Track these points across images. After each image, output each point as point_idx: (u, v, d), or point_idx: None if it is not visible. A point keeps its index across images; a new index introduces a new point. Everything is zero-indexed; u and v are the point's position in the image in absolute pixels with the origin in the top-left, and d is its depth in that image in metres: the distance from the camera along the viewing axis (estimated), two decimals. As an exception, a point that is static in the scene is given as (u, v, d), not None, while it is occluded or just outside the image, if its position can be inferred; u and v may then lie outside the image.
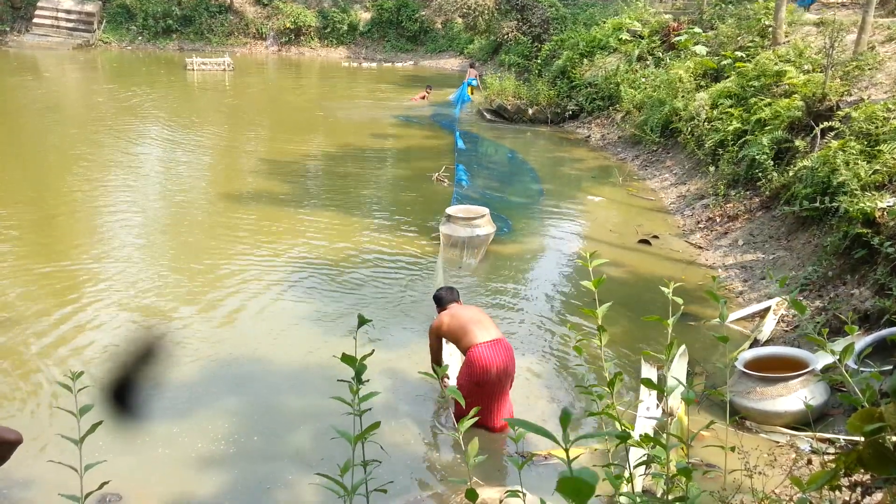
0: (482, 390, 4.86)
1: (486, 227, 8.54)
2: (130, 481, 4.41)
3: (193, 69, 23.96)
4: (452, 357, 5.71)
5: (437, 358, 5.37)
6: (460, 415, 4.63)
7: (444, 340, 5.31)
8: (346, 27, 30.64)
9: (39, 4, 29.52)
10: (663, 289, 2.58)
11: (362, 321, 2.17)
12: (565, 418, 1.42)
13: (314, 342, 6.22)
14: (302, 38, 30.83)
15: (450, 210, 8.72)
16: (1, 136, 14.26)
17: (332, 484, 2.04)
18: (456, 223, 8.48)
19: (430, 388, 5.53)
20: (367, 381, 2.13)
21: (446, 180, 11.59)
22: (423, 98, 19.67)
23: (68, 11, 29.65)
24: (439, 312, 5.39)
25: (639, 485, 4.01)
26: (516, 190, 11.87)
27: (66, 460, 2.53)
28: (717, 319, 2.48)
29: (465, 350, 4.98)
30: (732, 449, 2.67)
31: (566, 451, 1.42)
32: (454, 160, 12.81)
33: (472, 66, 23.19)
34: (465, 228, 8.43)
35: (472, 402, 4.76)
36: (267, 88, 23.21)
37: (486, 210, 8.74)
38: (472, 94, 19.88)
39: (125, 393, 2.44)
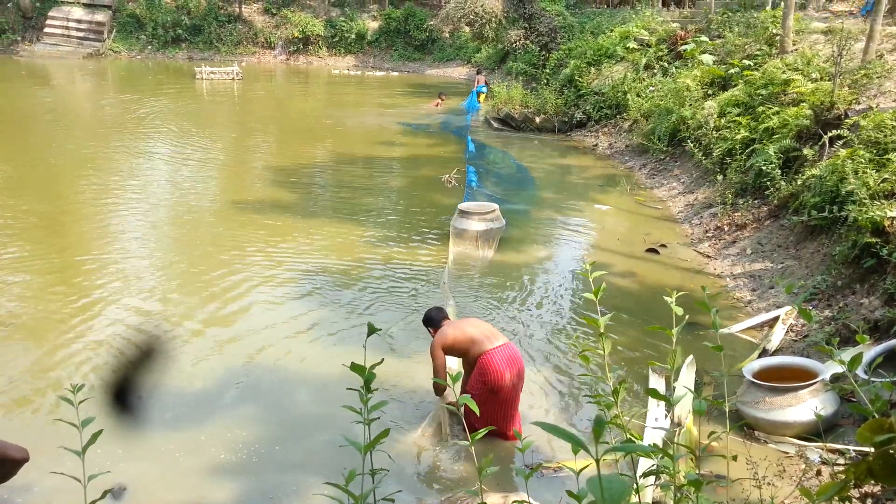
0: (496, 398, 4.82)
1: (498, 221, 9.24)
2: (138, 486, 4.42)
3: (202, 78, 24.13)
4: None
5: (444, 375, 5.10)
6: (473, 424, 4.62)
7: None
8: (353, 36, 30.82)
9: (50, 14, 29.83)
10: (666, 298, 2.57)
11: (372, 330, 2.18)
12: (598, 427, 1.33)
13: (326, 350, 6.22)
14: (310, 47, 31.03)
15: (462, 206, 9.32)
16: (10, 143, 14.37)
17: (340, 494, 2.04)
18: (470, 218, 9.06)
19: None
20: (376, 389, 2.14)
21: (454, 181, 11.97)
22: (437, 105, 19.93)
23: (79, 21, 29.94)
24: (432, 331, 5.27)
25: (648, 495, 4.00)
26: (517, 196, 11.87)
27: (70, 468, 2.53)
28: (723, 329, 2.47)
29: (474, 359, 4.91)
30: (735, 458, 2.66)
31: (597, 462, 1.31)
32: (465, 163, 13.11)
33: (478, 72, 23.39)
34: (479, 222, 9.03)
35: (487, 411, 4.74)
36: (275, 97, 23.34)
37: (496, 206, 9.40)
38: (482, 101, 20.08)
39: (125, 395, 2.45)
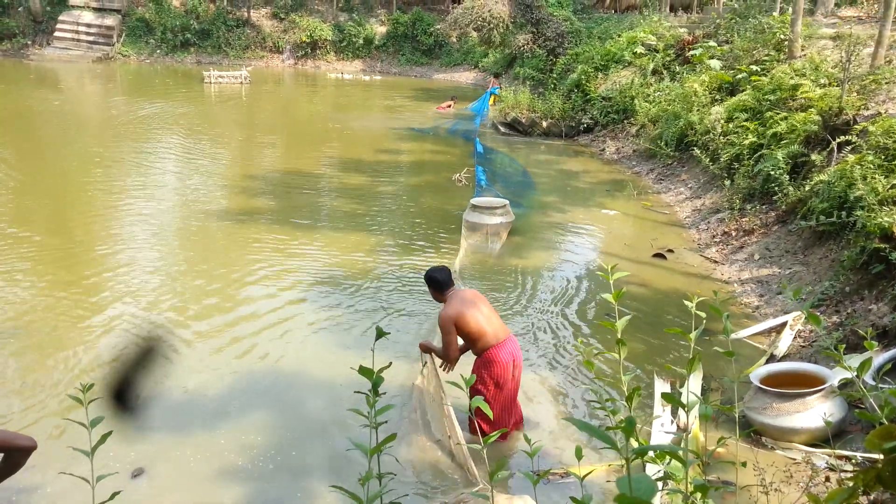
0: (501, 393, 4.83)
1: (507, 216, 9.67)
2: (145, 488, 4.44)
3: (211, 82, 24.24)
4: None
5: (456, 355, 4.89)
6: (480, 425, 4.61)
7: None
8: (361, 41, 30.93)
9: (60, 18, 30.06)
10: (687, 303, 2.58)
11: (380, 334, 2.19)
12: (629, 427, 1.32)
13: (338, 354, 6.22)
14: (318, 51, 31.14)
15: (474, 200, 9.80)
16: (20, 146, 14.46)
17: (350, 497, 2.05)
18: (481, 212, 9.51)
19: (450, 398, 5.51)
20: (384, 393, 2.14)
21: (464, 179, 12.40)
22: (448, 108, 20.16)
23: (88, 25, 30.15)
24: (437, 297, 5.02)
25: (657, 501, 3.99)
26: (523, 199, 11.89)
27: (83, 471, 2.55)
28: (732, 335, 2.47)
29: (481, 351, 4.83)
30: (744, 464, 2.66)
31: (627, 462, 1.29)
32: (474, 164, 13.37)
33: (496, 76, 23.91)
34: (490, 216, 9.48)
35: (492, 406, 4.76)
36: (283, 101, 23.42)
37: (506, 201, 9.88)
38: (493, 103, 20.38)
39: (124, 395, 2.47)
